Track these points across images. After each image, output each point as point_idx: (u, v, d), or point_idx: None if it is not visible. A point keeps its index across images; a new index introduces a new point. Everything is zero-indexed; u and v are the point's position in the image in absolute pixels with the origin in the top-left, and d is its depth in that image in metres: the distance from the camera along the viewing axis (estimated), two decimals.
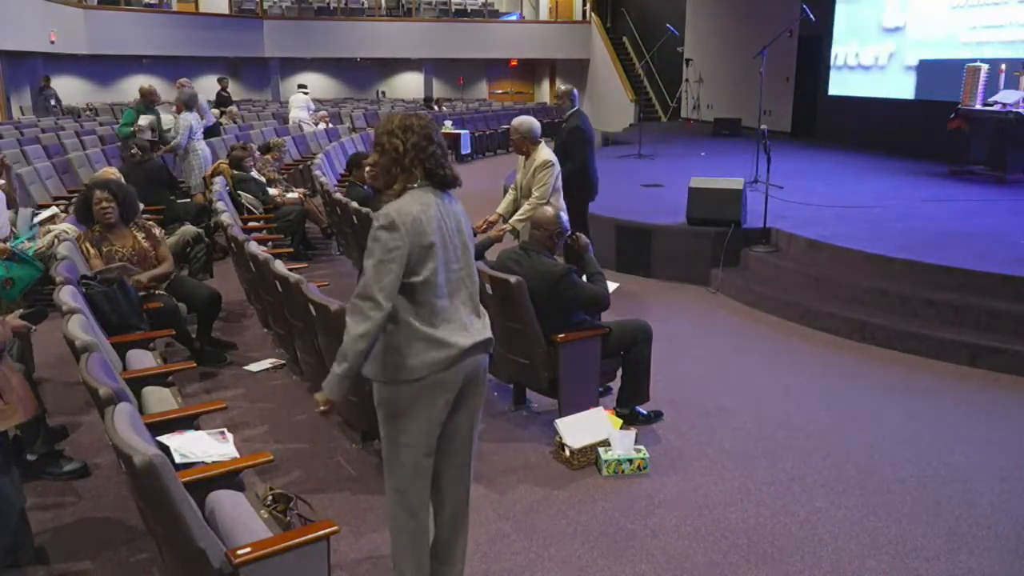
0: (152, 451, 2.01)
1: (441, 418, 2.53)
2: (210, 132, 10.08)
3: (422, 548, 2.64)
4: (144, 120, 8.92)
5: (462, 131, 16.18)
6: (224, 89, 17.03)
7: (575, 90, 6.49)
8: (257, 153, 8.67)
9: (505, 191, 8.25)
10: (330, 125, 15.27)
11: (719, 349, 5.53)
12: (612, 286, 4.31)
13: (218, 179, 7.63)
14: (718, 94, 16.85)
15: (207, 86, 17.55)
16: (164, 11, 21.25)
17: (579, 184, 6.12)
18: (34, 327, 3.30)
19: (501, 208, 5.60)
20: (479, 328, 2.60)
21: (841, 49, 13.13)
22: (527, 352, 4.05)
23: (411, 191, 2.47)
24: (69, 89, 19.76)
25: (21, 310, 3.59)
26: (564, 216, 4.29)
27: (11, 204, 5.72)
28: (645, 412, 4.26)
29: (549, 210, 4.29)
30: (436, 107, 21.03)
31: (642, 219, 7.44)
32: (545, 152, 5.36)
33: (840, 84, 13.23)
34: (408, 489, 2.57)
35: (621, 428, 3.88)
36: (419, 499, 2.59)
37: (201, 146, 8.73)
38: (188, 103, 8.62)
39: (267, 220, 7.43)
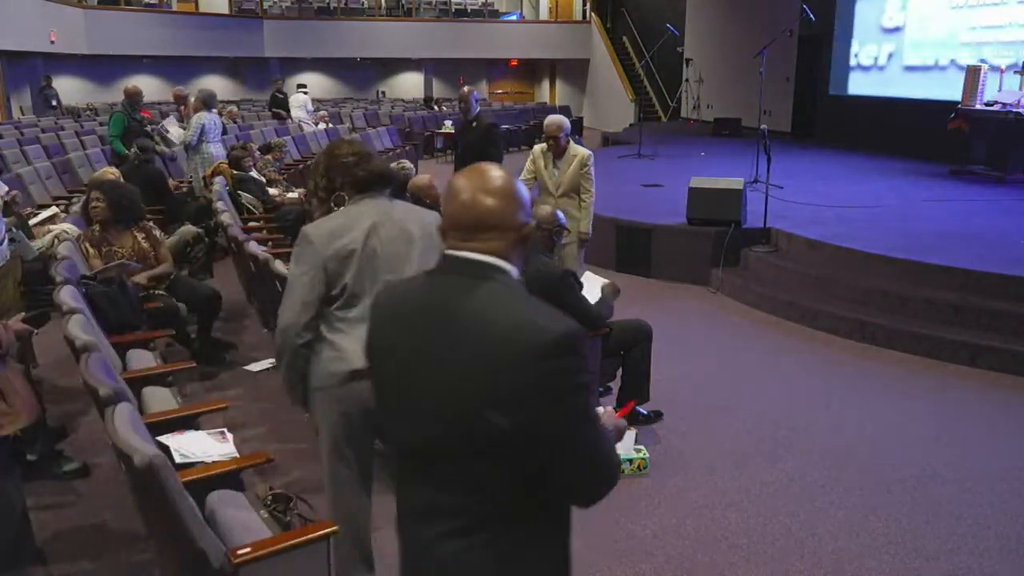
0: (152, 451, 2.01)
1: (342, 433, 2.51)
2: None
3: (354, 545, 2.64)
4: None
5: None
6: (279, 91, 16.65)
7: (475, 91, 6.94)
8: (257, 153, 8.66)
9: None
10: (330, 125, 15.27)
11: (719, 349, 5.54)
12: (601, 281, 4.29)
13: (218, 179, 7.62)
14: (718, 94, 16.84)
15: (208, 86, 17.53)
16: (164, 11, 21.23)
17: None
18: (36, 330, 3.30)
19: None
20: None
21: (841, 48, 13.11)
22: None
23: (346, 206, 2.50)
24: (69, 89, 19.75)
25: (23, 313, 3.59)
26: (560, 214, 4.28)
27: (8, 212, 5.67)
28: (645, 412, 4.26)
29: (547, 208, 4.28)
30: (436, 107, 21.02)
31: (642, 219, 7.44)
32: (579, 147, 5.47)
33: (839, 84, 13.21)
34: (331, 488, 2.61)
35: None
36: (345, 501, 2.61)
37: (213, 149, 8.55)
38: (205, 103, 8.53)
39: (267, 220, 7.43)
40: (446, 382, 1.42)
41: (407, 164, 6.31)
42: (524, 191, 1.51)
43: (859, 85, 12.79)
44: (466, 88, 6.96)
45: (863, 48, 12.66)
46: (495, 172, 1.50)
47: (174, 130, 9.24)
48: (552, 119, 5.48)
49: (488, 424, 1.37)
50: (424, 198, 4.82)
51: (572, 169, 5.31)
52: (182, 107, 9.79)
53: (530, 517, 1.46)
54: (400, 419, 1.53)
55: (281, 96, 16.49)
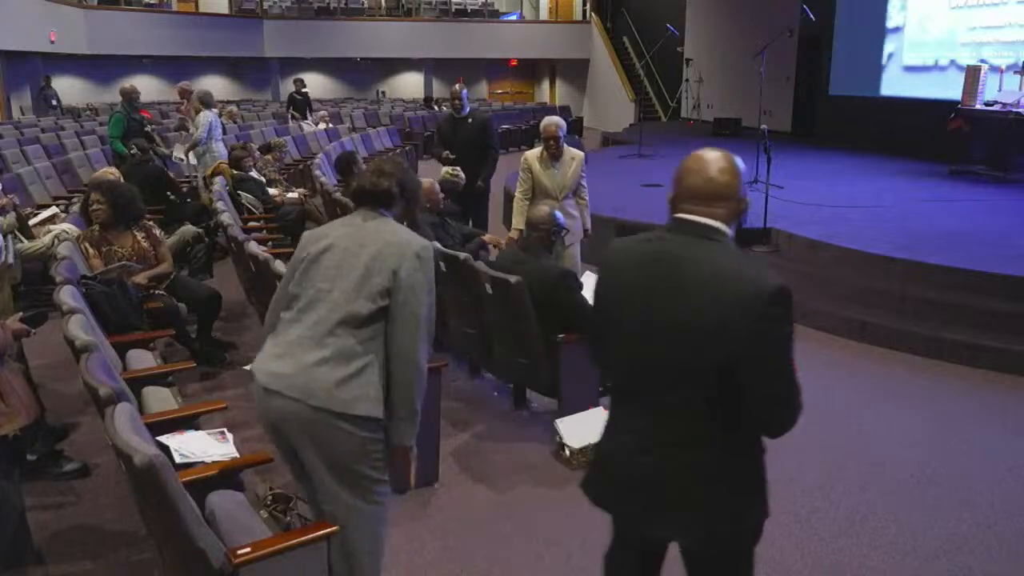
0: (152, 451, 2.01)
1: (269, 433, 2.47)
2: None
3: None
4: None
5: None
6: (298, 92, 15.90)
7: (465, 89, 7.22)
8: (257, 153, 8.66)
9: (507, 194, 8.25)
10: (330, 125, 15.26)
11: None
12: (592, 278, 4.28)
13: (218, 179, 7.63)
14: (718, 94, 16.84)
15: (208, 86, 17.53)
16: (164, 11, 21.23)
17: (494, 165, 7.19)
18: (34, 331, 3.29)
19: (521, 222, 5.22)
20: (301, 364, 2.29)
21: (841, 48, 13.09)
22: (527, 352, 4.05)
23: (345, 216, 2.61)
24: (69, 89, 19.74)
25: (22, 313, 3.59)
26: (560, 215, 4.28)
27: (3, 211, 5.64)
28: None
29: (544, 209, 4.27)
30: (436, 107, 21.01)
31: (642, 219, 7.43)
32: (573, 149, 5.46)
33: (841, 84, 13.21)
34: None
35: None
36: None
37: (220, 147, 8.55)
38: (205, 101, 8.52)
39: (267, 220, 7.43)
40: (671, 318, 1.70)
41: (460, 174, 6.37)
42: (744, 169, 1.81)
43: (859, 85, 12.77)
44: (457, 85, 7.13)
45: (862, 48, 12.65)
46: (723, 154, 1.79)
47: (180, 155, 9.26)
48: (551, 120, 5.43)
49: (703, 355, 1.65)
50: (425, 202, 4.80)
51: (573, 170, 5.30)
52: (183, 105, 9.79)
53: (725, 443, 1.73)
54: (623, 350, 1.82)
55: (300, 98, 15.95)
